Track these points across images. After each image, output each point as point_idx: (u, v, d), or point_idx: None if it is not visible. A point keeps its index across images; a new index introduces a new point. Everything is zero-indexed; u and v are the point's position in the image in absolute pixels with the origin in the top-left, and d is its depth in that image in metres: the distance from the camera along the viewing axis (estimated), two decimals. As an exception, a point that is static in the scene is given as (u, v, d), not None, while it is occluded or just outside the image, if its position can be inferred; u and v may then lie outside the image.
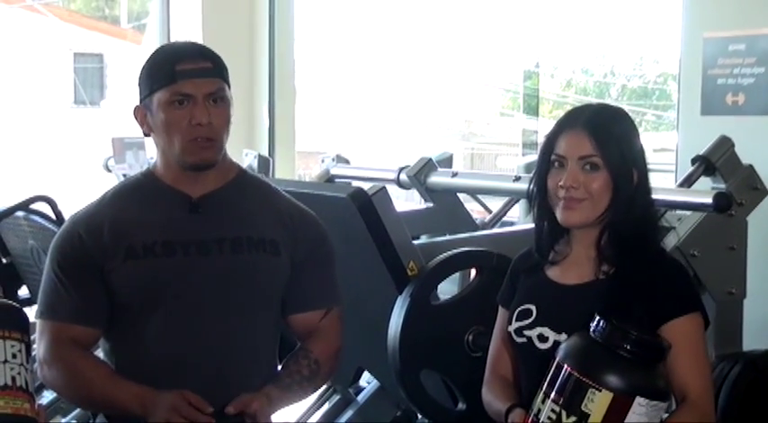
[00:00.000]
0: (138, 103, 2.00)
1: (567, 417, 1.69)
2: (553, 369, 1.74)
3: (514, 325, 1.94)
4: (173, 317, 1.94)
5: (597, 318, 1.73)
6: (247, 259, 1.97)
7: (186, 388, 1.88)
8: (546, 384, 1.74)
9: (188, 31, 5.40)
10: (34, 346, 1.86)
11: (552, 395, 1.71)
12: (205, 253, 1.95)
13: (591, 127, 1.89)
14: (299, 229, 2.03)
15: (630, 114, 2.03)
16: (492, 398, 1.97)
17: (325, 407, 3.13)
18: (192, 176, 1.98)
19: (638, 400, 1.67)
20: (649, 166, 1.94)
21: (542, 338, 1.88)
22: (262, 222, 2.00)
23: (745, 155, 2.76)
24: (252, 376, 1.96)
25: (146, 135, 2.01)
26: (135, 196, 2.03)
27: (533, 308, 1.92)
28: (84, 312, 1.97)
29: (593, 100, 17.83)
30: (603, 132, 1.88)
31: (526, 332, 1.91)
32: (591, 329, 1.73)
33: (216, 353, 1.93)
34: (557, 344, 1.82)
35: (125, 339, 1.98)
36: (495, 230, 3.28)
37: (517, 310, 1.95)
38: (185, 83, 1.92)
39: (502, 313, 2.02)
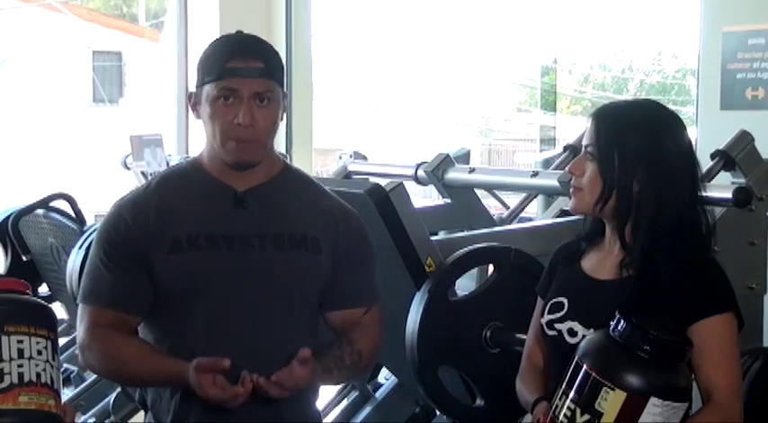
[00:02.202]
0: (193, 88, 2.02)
1: (581, 415, 1.68)
2: (572, 367, 1.73)
3: (546, 317, 1.94)
4: (214, 311, 1.95)
5: (617, 316, 1.72)
6: (289, 256, 1.97)
7: (227, 381, 1.87)
8: (565, 382, 1.73)
9: (205, 29, 5.41)
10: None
11: (570, 393, 1.71)
12: (248, 248, 1.96)
13: (596, 116, 1.90)
14: (341, 228, 2.02)
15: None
16: (523, 388, 1.98)
17: (344, 403, 3.13)
18: (237, 171, 1.99)
19: (653, 400, 1.65)
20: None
21: (572, 333, 1.88)
22: (305, 219, 2.00)
23: (765, 149, 2.74)
24: None
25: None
26: (181, 185, 2.03)
27: (565, 301, 1.92)
28: (125, 299, 1.98)
29: (612, 96, 17.76)
30: (604, 122, 1.88)
31: (557, 325, 1.91)
32: (611, 328, 1.72)
33: (256, 348, 1.93)
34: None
35: (169, 330, 2.00)
36: (513, 226, 3.27)
37: (550, 303, 1.95)
38: (233, 80, 1.92)
39: (539, 303, 2.01)
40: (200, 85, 1.97)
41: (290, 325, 1.97)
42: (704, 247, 1.88)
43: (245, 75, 1.93)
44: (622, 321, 1.70)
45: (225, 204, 1.98)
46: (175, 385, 1.94)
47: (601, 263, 1.92)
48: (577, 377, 1.71)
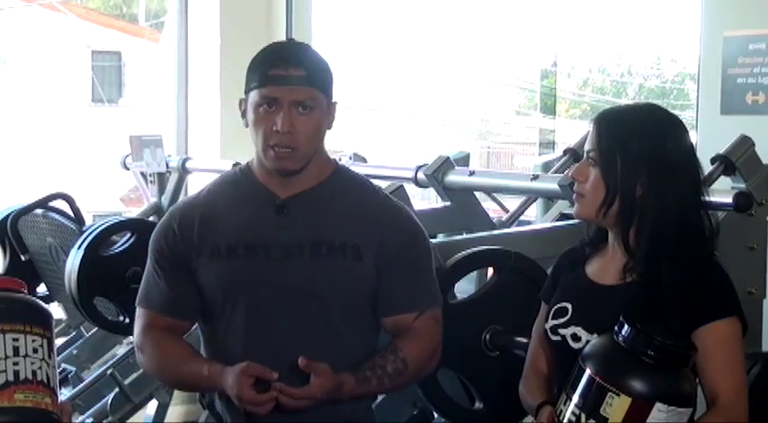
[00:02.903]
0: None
1: (587, 420, 1.68)
2: (576, 371, 1.73)
3: (550, 323, 1.93)
4: (252, 319, 1.97)
5: (622, 321, 1.72)
6: (325, 265, 1.97)
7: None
8: (569, 386, 1.73)
9: (206, 30, 5.41)
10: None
11: (574, 397, 1.71)
12: (285, 257, 1.96)
13: (598, 121, 1.90)
14: (386, 231, 2.00)
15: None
16: (526, 392, 1.97)
17: (342, 405, 3.12)
18: (280, 177, 2.00)
19: (658, 405, 1.65)
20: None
21: (576, 338, 1.87)
22: (346, 226, 1.99)
23: (765, 154, 2.74)
24: None
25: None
26: (228, 192, 2.06)
27: (569, 306, 1.91)
28: (175, 305, 2.03)
29: (611, 99, 17.78)
30: (606, 127, 1.88)
31: (561, 331, 1.90)
32: (615, 333, 1.72)
33: (292, 356, 1.90)
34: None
35: (212, 336, 2.04)
36: (513, 229, 3.27)
37: (554, 308, 1.94)
38: (274, 88, 1.94)
39: (543, 308, 2.01)
40: (247, 92, 1.99)
41: (327, 333, 1.96)
42: (707, 249, 1.88)
43: (285, 82, 1.94)
44: (626, 326, 1.70)
45: (267, 211, 2.00)
46: (211, 388, 1.98)
47: (604, 268, 1.92)
48: (581, 382, 1.71)
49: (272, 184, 2.01)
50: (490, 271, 2.68)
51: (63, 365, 3.87)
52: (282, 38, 5.46)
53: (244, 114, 2.02)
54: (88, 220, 3.83)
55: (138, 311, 2.08)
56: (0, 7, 12.87)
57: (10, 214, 3.83)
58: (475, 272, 2.81)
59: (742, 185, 2.67)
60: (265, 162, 1.98)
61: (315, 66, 1.99)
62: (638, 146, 1.84)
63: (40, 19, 13.04)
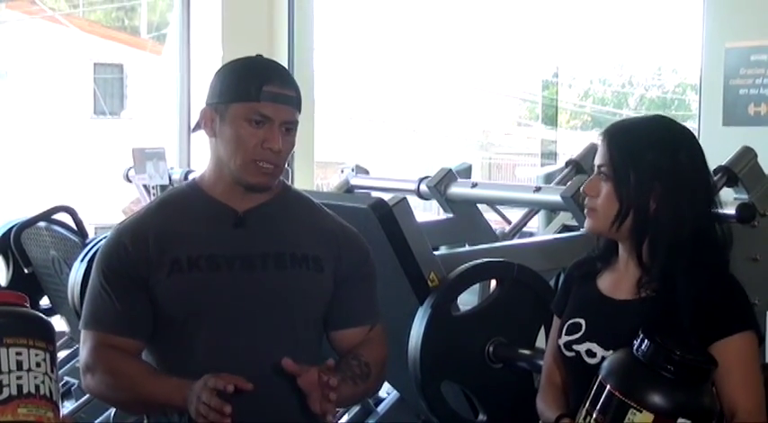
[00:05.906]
0: (206, 105, 1.99)
1: None
2: (596, 387, 1.72)
3: (564, 339, 1.92)
4: (216, 332, 1.94)
5: (641, 336, 1.71)
6: (291, 276, 1.97)
7: (231, 404, 1.83)
8: (588, 402, 1.72)
9: (208, 42, 5.42)
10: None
11: (594, 414, 1.70)
12: (249, 268, 1.95)
13: (607, 134, 1.88)
14: (343, 247, 2.02)
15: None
16: (544, 406, 1.96)
17: (345, 418, 3.12)
18: (242, 192, 1.99)
19: (680, 421, 1.64)
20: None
21: (590, 354, 1.86)
22: (306, 239, 2.00)
23: None
24: (295, 392, 1.92)
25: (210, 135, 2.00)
26: (180, 207, 2.02)
27: (583, 322, 1.90)
28: (128, 324, 1.97)
29: (612, 110, 17.81)
30: (617, 141, 1.86)
31: (575, 347, 1.89)
32: (634, 348, 1.71)
33: (259, 369, 1.91)
34: (604, 360, 1.79)
35: (171, 353, 1.98)
36: (516, 241, 3.27)
37: (567, 324, 1.92)
38: (268, 105, 1.93)
39: (556, 321, 2.00)
40: (225, 102, 1.95)
41: (292, 345, 1.96)
42: (723, 261, 1.87)
43: (282, 101, 1.94)
44: (646, 341, 1.69)
45: (225, 225, 1.98)
46: (177, 405, 1.90)
47: (617, 283, 1.90)
48: (601, 397, 1.69)
49: (229, 198, 1.99)
50: (493, 283, 2.68)
51: (66, 378, 3.86)
52: (285, 50, 5.48)
53: (209, 126, 1.97)
54: (91, 233, 3.83)
55: (85, 335, 1.99)
56: (2, 20, 12.91)
57: (13, 227, 3.83)
58: (478, 284, 2.81)
59: (745, 197, 2.68)
60: (242, 175, 1.95)
61: (298, 88, 2.00)
62: (652, 159, 1.83)
63: (43, 31, 13.06)
